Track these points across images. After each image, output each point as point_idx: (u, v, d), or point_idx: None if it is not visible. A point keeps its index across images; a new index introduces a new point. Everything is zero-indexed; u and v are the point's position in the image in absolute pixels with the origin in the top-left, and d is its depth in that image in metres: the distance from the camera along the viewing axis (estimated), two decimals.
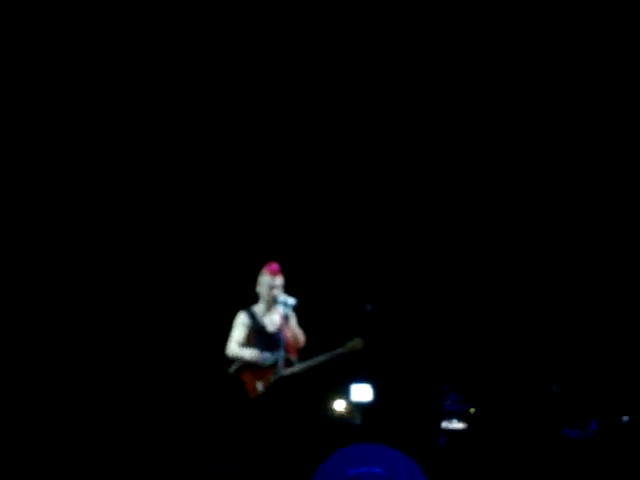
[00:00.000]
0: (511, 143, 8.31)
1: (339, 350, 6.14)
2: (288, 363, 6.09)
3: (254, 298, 6.39)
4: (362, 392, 8.20)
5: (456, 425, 7.36)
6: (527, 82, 8.02)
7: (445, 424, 7.40)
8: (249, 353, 6.11)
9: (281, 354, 6.02)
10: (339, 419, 8.09)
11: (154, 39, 7.68)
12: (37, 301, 7.92)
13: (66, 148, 8.05)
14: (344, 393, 8.20)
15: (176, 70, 7.93)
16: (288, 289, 6.32)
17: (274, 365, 6.03)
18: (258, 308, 6.35)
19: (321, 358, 6.13)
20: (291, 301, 6.16)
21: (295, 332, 6.23)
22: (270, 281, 6.26)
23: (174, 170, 8.40)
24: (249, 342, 6.21)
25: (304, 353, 6.26)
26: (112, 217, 8.26)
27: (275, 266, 6.29)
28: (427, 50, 7.91)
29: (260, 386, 6.03)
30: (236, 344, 6.19)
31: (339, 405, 8.22)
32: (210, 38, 7.76)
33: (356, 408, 8.13)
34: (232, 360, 6.19)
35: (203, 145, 8.36)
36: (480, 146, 8.39)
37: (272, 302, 6.26)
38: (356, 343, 6.16)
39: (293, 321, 6.28)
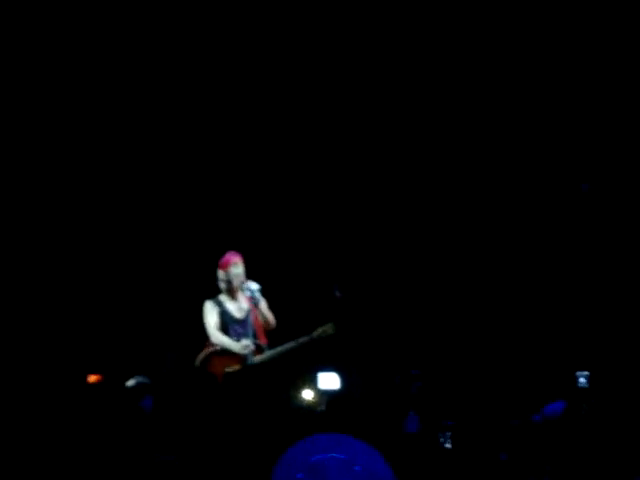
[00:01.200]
0: (505, 140, 8.31)
1: (310, 336, 6.10)
2: (257, 349, 6.05)
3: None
4: (329, 380, 8.17)
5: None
6: (527, 82, 8.04)
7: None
8: (234, 345, 6.06)
9: (250, 340, 5.99)
10: (304, 407, 8.05)
11: (154, 39, 7.65)
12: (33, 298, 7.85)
13: (63, 147, 8.03)
14: (312, 381, 8.17)
15: (171, 70, 7.86)
16: (256, 275, 6.28)
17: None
18: (223, 297, 6.32)
19: (291, 344, 6.10)
20: (254, 286, 6.16)
21: (265, 314, 6.21)
22: (223, 275, 6.27)
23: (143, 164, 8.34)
24: (218, 330, 6.17)
25: (274, 339, 6.22)
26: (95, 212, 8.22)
27: (226, 259, 6.27)
28: (427, 50, 7.91)
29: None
30: (217, 331, 6.15)
31: (307, 394, 8.19)
32: (210, 38, 7.72)
33: (323, 396, 8.10)
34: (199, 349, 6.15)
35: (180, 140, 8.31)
36: (462, 136, 8.40)
37: (234, 291, 6.23)
38: (327, 328, 6.13)
39: (263, 304, 6.23)
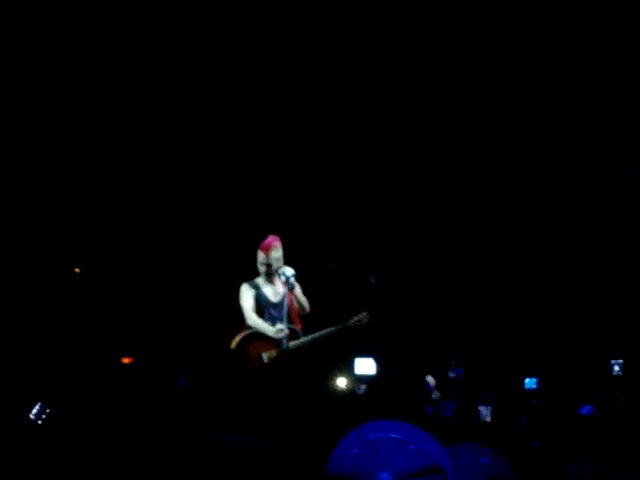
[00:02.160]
0: (545, 131, 8.25)
1: (345, 324, 6.11)
2: (292, 334, 6.07)
3: (254, 270, 6.35)
4: (366, 366, 8.19)
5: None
6: (527, 83, 7.97)
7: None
8: (269, 328, 6.08)
9: (285, 325, 6.01)
10: (341, 394, 8.09)
11: (154, 39, 7.63)
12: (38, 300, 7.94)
13: (64, 148, 8.02)
14: (348, 367, 8.19)
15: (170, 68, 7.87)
16: (292, 261, 6.29)
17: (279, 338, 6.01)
18: (260, 280, 6.32)
19: (326, 331, 6.11)
20: (289, 271, 6.10)
21: (300, 299, 6.21)
22: (263, 259, 6.23)
23: (173, 146, 8.37)
24: (254, 312, 6.20)
25: (309, 325, 6.23)
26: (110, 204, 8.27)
27: (268, 242, 6.25)
28: (428, 50, 7.86)
29: (265, 358, 6.01)
30: (253, 313, 6.17)
31: (341, 382, 8.22)
32: (210, 38, 7.71)
33: (360, 381, 8.13)
34: (235, 333, 6.18)
35: (206, 130, 8.33)
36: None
37: (272, 275, 6.23)
38: (362, 317, 6.13)
39: (297, 289, 6.24)
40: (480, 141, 8.40)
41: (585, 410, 6.68)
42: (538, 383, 7.46)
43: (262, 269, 6.25)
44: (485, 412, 6.73)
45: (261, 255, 6.24)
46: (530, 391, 7.44)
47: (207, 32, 7.63)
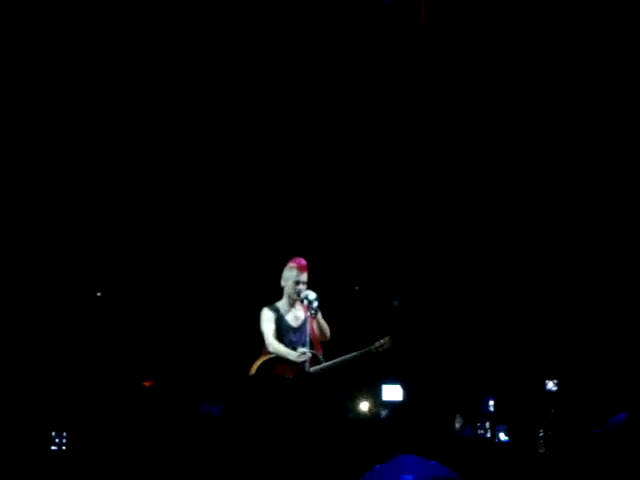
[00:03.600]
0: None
1: (367, 349, 6.05)
2: (313, 359, 6.01)
3: (274, 295, 6.33)
4: (393, 392, 8.13)
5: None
6: (528, 83, 7.93)
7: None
8: (291, 353, 6.01)
9: (306, 349, 5.96)
10: (364, 418, 8.02)
11: (154, 39, 7.65)
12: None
13: (70, 150, 8.05)
14: (373, 392, 8.14)
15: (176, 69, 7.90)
16: (313, 284, 6.24)
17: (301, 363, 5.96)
18: (281, 304, 6.26)
19: (348, 356, 6.06)
20: (312, 296, 6.03)
21: (321, 325, 6.14)
22: (297, 276, 6.14)
23: (197, 167, 8.38)
24: (275, 338, 6.15)
25: (331, 350, 6.18)
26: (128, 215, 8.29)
27: (303, 262, 6.19)
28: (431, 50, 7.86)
29: None
30: (274, 339, 6.11)
31: (364, 406, 8.17)
32: (210, 38, 7.73)
33: (382, 405, 8.07)
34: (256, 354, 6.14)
35: (227, 144, 8.34)
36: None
37: (295, 297, 6.17)
38: (384, 342, 6.08)
39: (319, 315, 6.18)
40: (505, 174, 8.37)
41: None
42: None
43: (291, 288, 6.14)
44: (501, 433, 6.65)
45: (294, 272, 6.15)
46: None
47: (209, 32, 7.65)
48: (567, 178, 8.26)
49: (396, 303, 7.67)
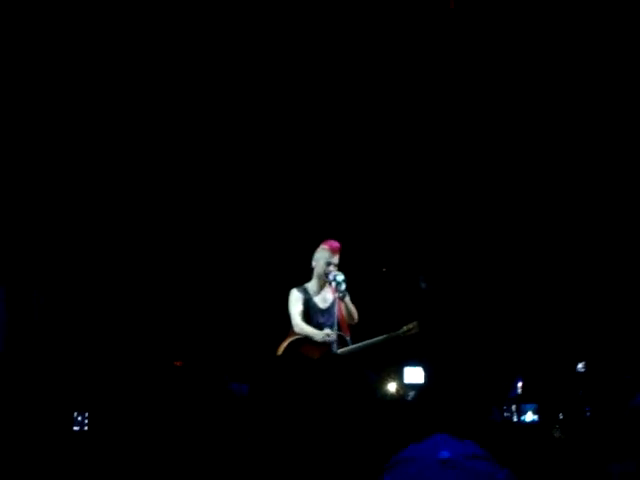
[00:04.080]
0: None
1: (395, 333, 6.06)
2: (341, 341, 6.03)
3: (302, 277, 6.35)
4: (415, 374, 8.13)
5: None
6: (528, 83, 7.87)
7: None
8: (317, 333, 6.05)
9: (334, 331, 5.97)
10: (391, 399, 8.03)
11: (154, 39, 7.65)
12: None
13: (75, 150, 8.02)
14: (397, 374, 8.14)
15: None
16: (340, 266, 6.24)
17: (327, 343, 5.98)
18: (310, 285, 6.30)
19: (375, 340, 6.07)
20: (340, 277, 6.04)
21: (349, 308, 6.15)
22: (329, 257, 6.17)
23: (222, 144, 8.38)
24: (302, 319, 6.17)
25: (358, 333, 6.19)
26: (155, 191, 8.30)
27: (336, 244, 6.21)
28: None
29: None
30: (302, 321, 6.14)
31: (391, 387, 8.18)
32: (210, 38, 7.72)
33: (408, 388, 8.07)
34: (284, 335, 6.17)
35: (251, 134, 8.34)
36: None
37: (325, 278, 6.18)
38: (412, 327, 6.08)
39: (347, 298, 6.19)
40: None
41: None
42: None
43: (321, 269, 6.17)
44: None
45: (326, 254, 6.18)
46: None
47: (210, 32, 7.64)
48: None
49: (424, 285, 7.65)
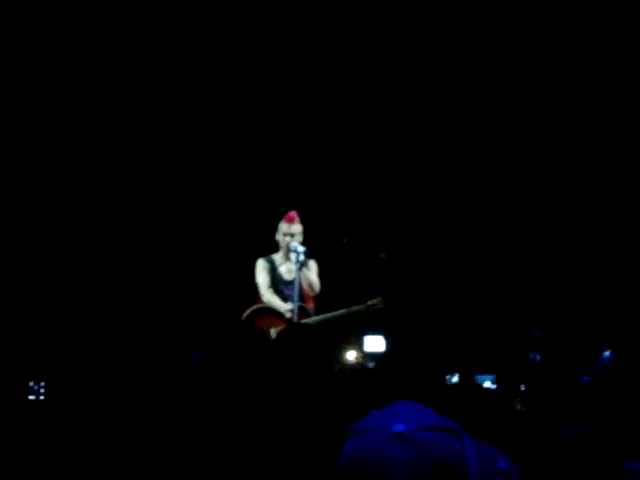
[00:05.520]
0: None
1: (358, 307, 6.07)
2: (304, 312, 6.04)
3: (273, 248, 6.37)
4: (375, 343, 8.19)
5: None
6: (528, 83, 7.90)
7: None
8: (282, 306, 6.06)
9: (296, 303, 5.97)
10: (351, 368, 8.08)
11: (154, 39, 7.58)
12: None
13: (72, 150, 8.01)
14: (357, 343, 8.19)
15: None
16: (305, 239, 6.25)
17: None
18: (276, 256, 6.32)
19: (338, 313, 6.08)
20: (300, 249, 6.06)
21: (310, 280, 6.16)
22: (286, 229, 6.21)
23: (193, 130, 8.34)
24: (268, 289, 6.18)
25: (322, 304, 6.20)
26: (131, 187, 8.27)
27: (291, 214, 6.24)
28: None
29: (274, 333, 5.99)
30: (267, 290, 6.15)
31: (351, 355, 8.22)
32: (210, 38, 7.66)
33: (369, 357, 8.13)
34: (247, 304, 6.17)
35: (220, 108, 8.29)
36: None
37: (286, 249, 6.20)
38: (376, 302, 6.09)
39: (312, 270, 6.21)
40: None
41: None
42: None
43: (283, 240, 6.21)
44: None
45: (284, 226, 6.22)
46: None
47: (208, 32, 7.59)
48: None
49: (383, 255, 7.68)
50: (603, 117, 7.97)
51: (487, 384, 6.66)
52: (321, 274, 6.30)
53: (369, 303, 6.08)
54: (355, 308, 6.07)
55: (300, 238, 6.18)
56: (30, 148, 7.77)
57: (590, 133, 8.08)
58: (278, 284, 6.22)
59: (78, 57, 7.55)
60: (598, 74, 7.70)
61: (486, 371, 6.88)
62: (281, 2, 7.45)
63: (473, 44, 7.73)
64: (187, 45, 7.71)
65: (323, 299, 6.29)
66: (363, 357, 8.09)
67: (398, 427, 1.76)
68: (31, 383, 6.00)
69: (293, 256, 6.11)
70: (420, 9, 7.49)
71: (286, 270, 6.26)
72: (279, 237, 6.26)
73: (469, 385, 6.68)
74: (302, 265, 6.07)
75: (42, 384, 6.01)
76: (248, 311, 6.16)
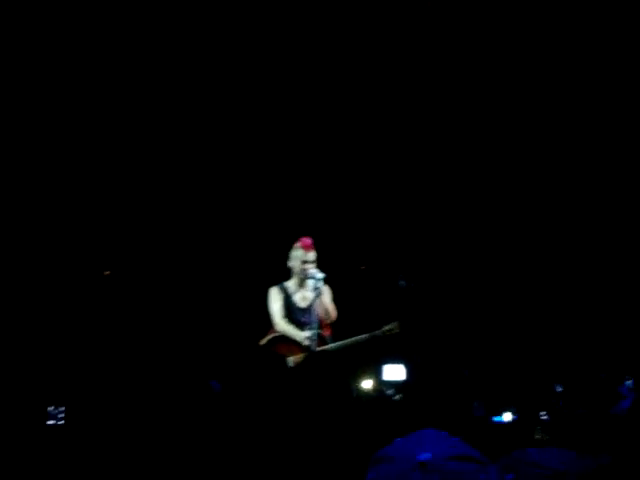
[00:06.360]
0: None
1: (375, 333, 6.02)
2: (320, 340, 5.98)
3: (284, 275, 6.30)
4: (395, 371, 8.12)
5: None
6: (528, 83, 7.90)
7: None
8: (298, 334, 6.01)
9: (314, 331, 5.92)
10: (367, 397, 8.03)
11: (154, 39, 7.60)
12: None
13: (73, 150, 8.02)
14: (375, 371, 8.13)
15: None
16: (321, 266, 6.22)
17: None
18: (289, 284, 6.26)
19: (355, 339, 6.03)
20: (319, 275, 5.98)
21: (326, 307, 6.10)
22: (302, 255, 6.13)
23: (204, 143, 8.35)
24: (282, 317, 6.14)
25: (339, 332, 6.16)
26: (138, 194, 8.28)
27: (308, 241, 6.18)
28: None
29: (290, 362, 5.95)
30: (282, 319, 6.11)
31: (367, 384, 8.16)
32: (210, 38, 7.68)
33: (388, 385, 8.06)
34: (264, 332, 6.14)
35: (233, 127, 8.31)
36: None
37: (303, 277, 6.15)
38: (393, 327, 6.05)
39: (327, 296, 6.16)
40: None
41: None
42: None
43: (298, 267, 6.15)
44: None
45: (300, 252, 6.14)
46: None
47: (207, 32, 7.61)
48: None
49: (403, 283, 7.64)
50: (603, 117, 7.92)
51: (507, 416, 6.61)
52: (338, 301, 6.25)
53: (385, 328, 6.03)
54: (372, 334, 6.02)
55: (315, 265, 6.15)
56: (30, 148, 7.75)
57: (590, 133, 8.04)
58: (293, 312, 6.14)
59: (78, 57, 7.53)
60: (598, 74, 7.67)
61: (506, 400, 6.82)
62: (281, 2, 7.45)
63: (473, 44, 7.71)
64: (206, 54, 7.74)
65: (339, 326, 6.25)
66: (379, 386, 8.04)
67: (423, 456, 1.74)
68: (50, 408, 6.00)
69: (311, 283, 6.05)
70: (420, 9, 7.48)
71: (301, 298, 6.19)
72: (294, 264, 6.19)
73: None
74: (319, 292, 6.02)
75: (61, 409, 6.01)
76: (264, 340, 6.10)
